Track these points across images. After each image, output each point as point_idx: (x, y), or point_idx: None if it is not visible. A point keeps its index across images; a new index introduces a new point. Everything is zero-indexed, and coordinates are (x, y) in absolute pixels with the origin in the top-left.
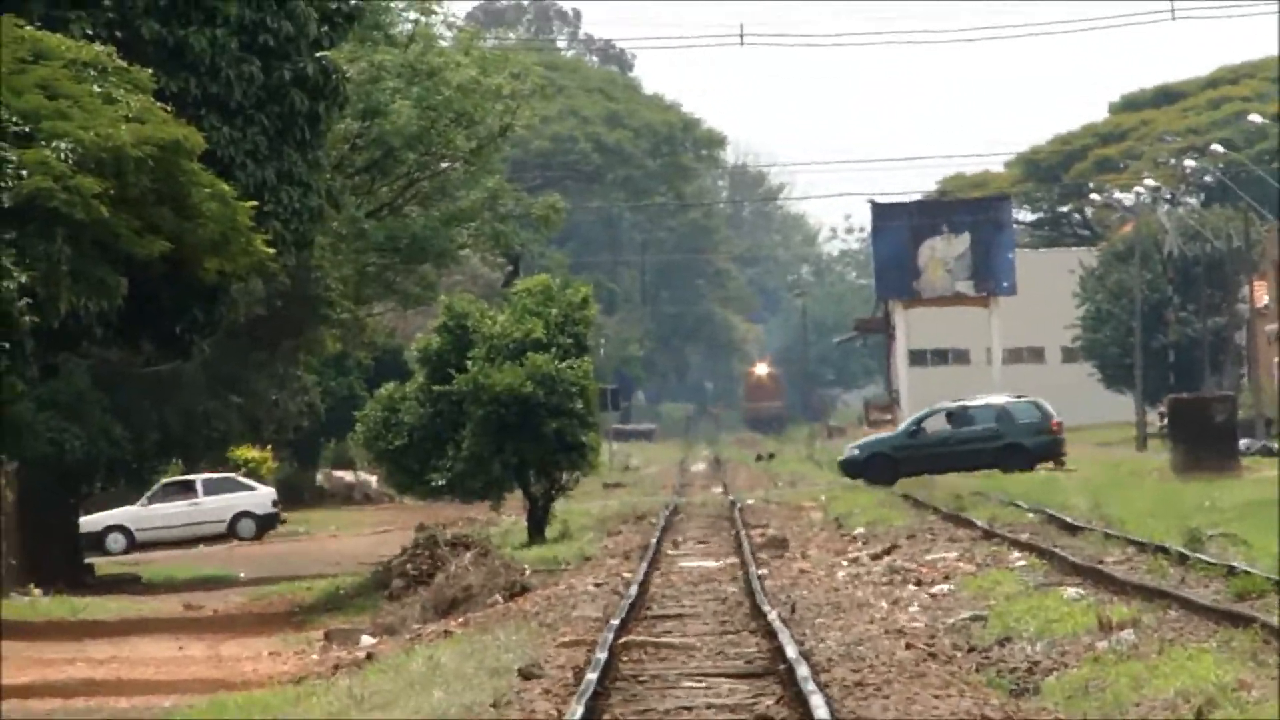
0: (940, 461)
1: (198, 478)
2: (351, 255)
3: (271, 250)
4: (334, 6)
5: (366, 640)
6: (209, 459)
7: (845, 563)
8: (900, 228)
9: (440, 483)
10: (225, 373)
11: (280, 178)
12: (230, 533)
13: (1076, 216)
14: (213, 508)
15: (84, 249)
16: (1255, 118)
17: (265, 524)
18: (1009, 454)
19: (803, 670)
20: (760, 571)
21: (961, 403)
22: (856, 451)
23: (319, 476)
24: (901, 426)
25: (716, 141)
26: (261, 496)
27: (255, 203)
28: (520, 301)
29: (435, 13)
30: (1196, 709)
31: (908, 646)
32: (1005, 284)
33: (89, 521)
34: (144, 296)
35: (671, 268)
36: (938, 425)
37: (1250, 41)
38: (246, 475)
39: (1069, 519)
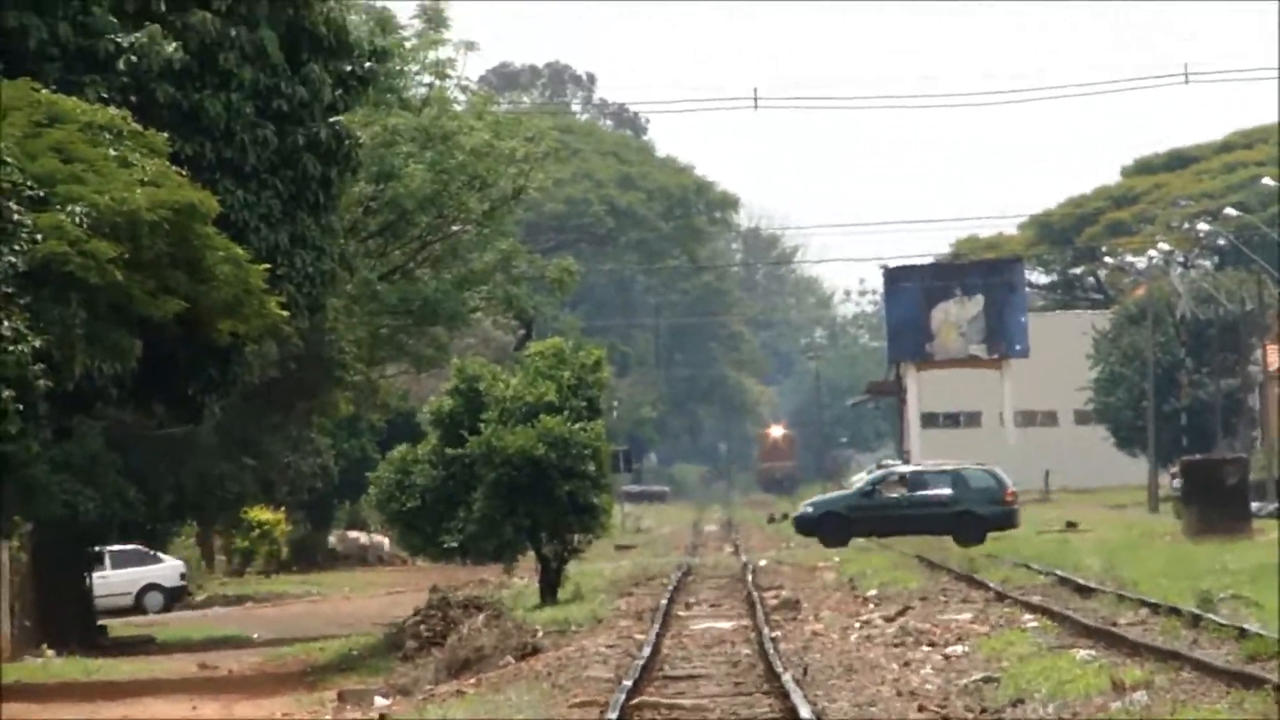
0: (893, 524)
1: (105, 550)
2: (365, 318)
3: (285, 313)
4: (348, 70)
5: (380, 701)
6: (223, 520)
7: (858, 624)
8: (913, 290)
9: (453, 544)
10: (239, 435)
11: (293, 241)
12: (137, 606)
13: (1089, 279)
14: (120, 580)
15: (98, 312)
16: (1268, 181)
17: (172, 596)
18: (963, 521)
19: None
20: (773, 634)
21: (917, 467)
22: (810, 509)
23: (332, 538)
24: (855, 486)
25: (730, 204)
26: (169, 569)
27: (269, 266)
28: (533, 364)
29: (449, 76)
30: None
31: (920, 709)
32: (1018, 346)
33: None
34: (158, 359)
35: (685, 330)
36: (893, 488)
37: (1264, 105)
38: (260, 537)
39: (1081, 580)
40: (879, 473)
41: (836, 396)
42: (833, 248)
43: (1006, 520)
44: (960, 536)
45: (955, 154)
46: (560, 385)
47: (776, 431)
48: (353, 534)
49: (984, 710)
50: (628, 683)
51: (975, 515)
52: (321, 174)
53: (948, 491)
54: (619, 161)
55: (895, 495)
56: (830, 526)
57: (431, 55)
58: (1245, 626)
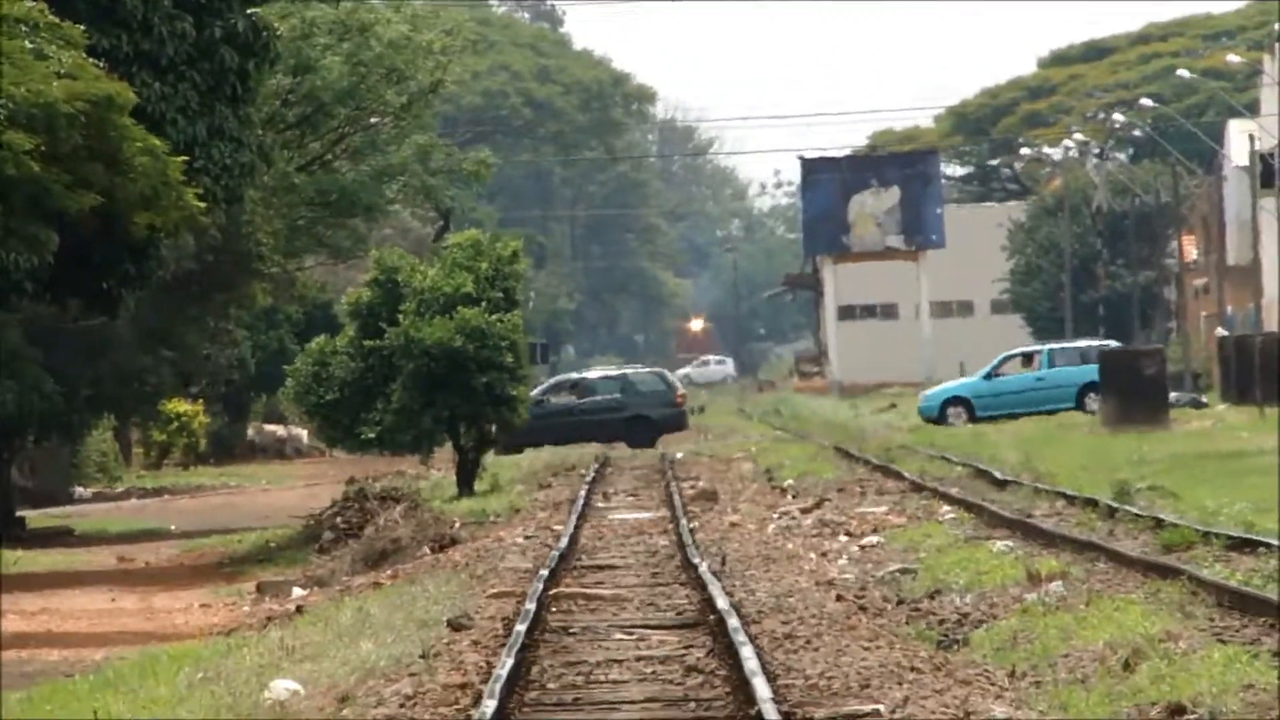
0: (565, 431)
1: None
2: (282, 209)
3: (202, 205)
4: None
5: (297, 592)
6: (141, 413)
7: (776, 515)
8: (830, 182)
9: (370, 436)
10: (157, 328)
11: (211, 134)
12: None
13: (1005, 171)
14: None
15: (15, 205)
16: (1184, 73)
17: None
18: (634, 425)
19: (733, 622)
20: (691, 524)
21: (584, 374)
22: None
23: (250, 430)
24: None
25: (647, 96)
26: None
27: (186, 158)
28: (450, 256)
29: None
30: (1124, 660)
31: (838, 599)
32: (934, 238)
33: None
34: (74, 252)
35: (601, 222)
36: (562, 396)
37: None
38: (178, 430)
39: (998, 472)
40: (548, 382)
41: (754, 289)
42: (749, 140)
43: (676, 422)
44: (632, 440)
45: (871, 46)
46: (478, 277)
47: (696, 325)
48: (270, 426)
49: (901, 601)
50: (545, 572)
51: (646, 419)
52: (239, 66)
53: (618, 396)
54: (536, 54)
55: (565, 402)
56: None
57: None
58: (1161, 517)
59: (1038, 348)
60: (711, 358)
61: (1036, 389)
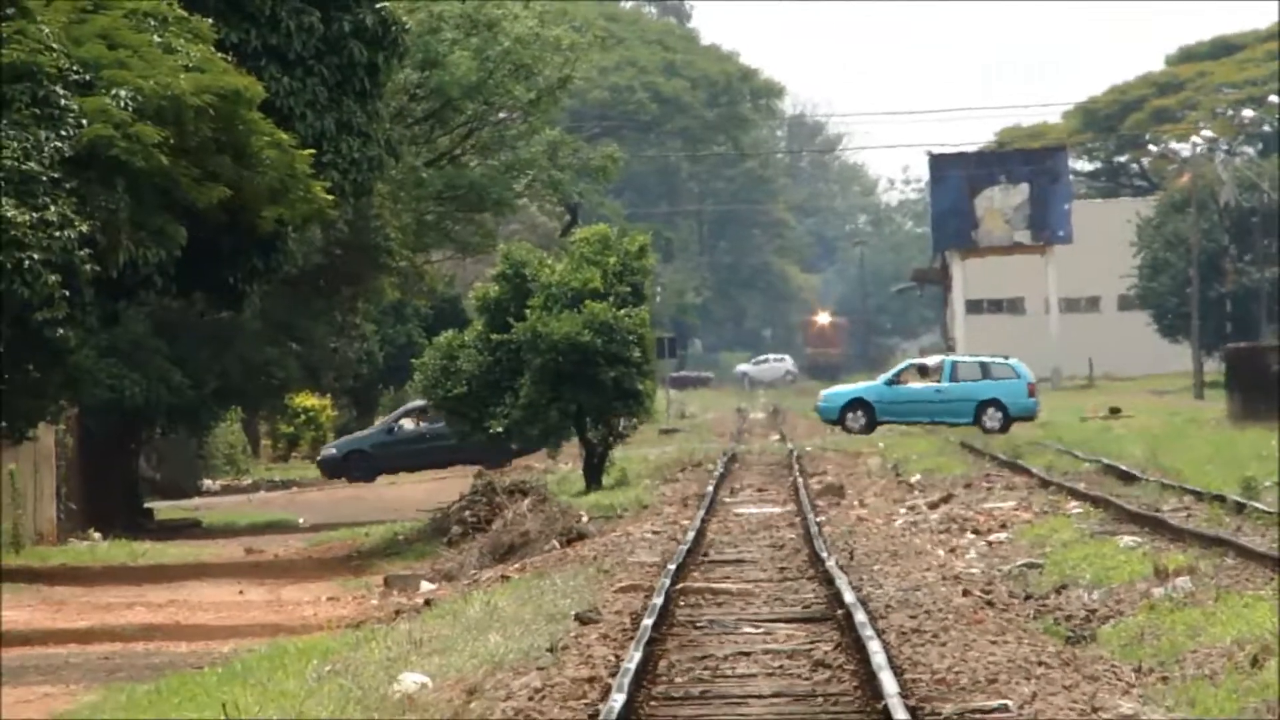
0: (414, 459)
1: None
2: (410, 204)
3: (330, 199)
4: None
5: (425, 586)
6: (268, 406)
7: (903, 510)
8: (958, 178)
9: (498, 430)
10: (284, 321)
11: (339, 128)
12: None
13: (1133, 167)
14: None
15: (144, 197)
16: None
17: None
18: (488, 447)
19: (860, 616)
20: (818, 519)
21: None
22: (334, 451)
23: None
24: (379, 424)
25: (774, 91)
26: None
27: (314, 152)
28: (578, 250)
29: None
30: (1252, 656)
31: (965, 594)
32: (1061, 233)
33: None
34: (203, 245)
35: (729, 217)
36: (411, 423)
37: None
38: (306, 423)
39: (1125, 467)
40: (399, 409)
41: (881, 284)
42: (877, 135)
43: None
44: (487, 463)
45: (1000, 42)
46: (605, 271)
47: (823, 319)
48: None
49: (1028, 596)
50: (672, 567)
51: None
52: (367, 60)
53: None
54: (663, 49)
55: (419, 429)
56: (355, 465)
57: None
58: None
59: (940, 359)
60: (771, 356)
61: (936, 400)
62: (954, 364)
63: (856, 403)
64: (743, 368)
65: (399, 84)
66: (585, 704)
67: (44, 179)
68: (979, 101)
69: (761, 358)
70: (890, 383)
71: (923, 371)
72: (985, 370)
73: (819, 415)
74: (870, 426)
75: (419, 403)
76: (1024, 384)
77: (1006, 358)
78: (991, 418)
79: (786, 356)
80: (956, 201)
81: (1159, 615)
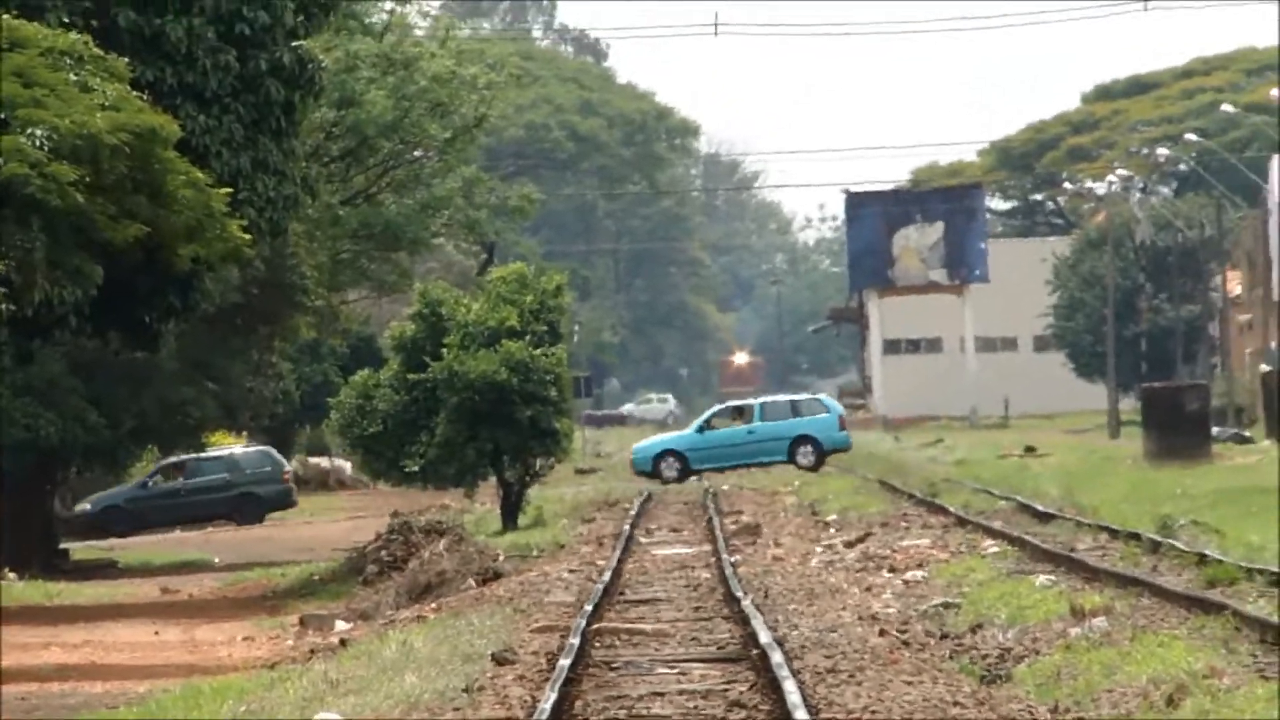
0: (169, 514)
1: None
2: (326, 242)
3: (246, 237)
4: None
5: (341, 625)
6: (184, 445)
7: (819, 549)
8: (874, 216)
9: (414, 469)
10: (201, 360)
11: (255, 166)
12: None
13: (1049, 205)
14: None
15: (59, 236)
16: (1228, 107)
17: None
18: (242, 502)
19: (776, 656)
20: (734, 558)
21: (193, 455)
22: (89, 507)
23: (293, 463)
24: (134, 481)
25: (690, 130)
26: None
27: (230, 190)
28: (495, 289)
29: (411, 3)
30: (1168, 696)
31: (881, 633)
32: (978, 272)
33: None
34: (119, 284)
35: (645, 256)
36: (172, 477)
37: (1224, 32)
38: None
39: (1041, 506)
40: (155, 466)
41: (798, 323)
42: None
43: (284, 500)
44: (241, 519)
45: (915, 80)
46: (522, 310)
47: (741, 359)
48: (314, 459)
49: (944, 635)
50: (589, 607)
51: (254, 496)
52: (284, 99)
53: (225, 476)
54: (579, 87)
55: (174, 484)
56: (114, 520)
57: None
58: (1205, 552)
59: (750, 401)
60: (654, 396)
61: (749, 442)
62: (764, 404)
63: (668, 453)
64: (627, 408)
65: (315, 122)
66: None
67: None
68: (895, 139)
69: (645, 398)
70: (702, 429)
71: (736, 414)
72: (795, 408)
73: (632, 468)
74: (685, 475)
75: (178, 458)
76: (835, 418)
77: (816, 394)
78: (805, 454)
79: (669, 396)
80: (873, 240)
81: (1075, 654)
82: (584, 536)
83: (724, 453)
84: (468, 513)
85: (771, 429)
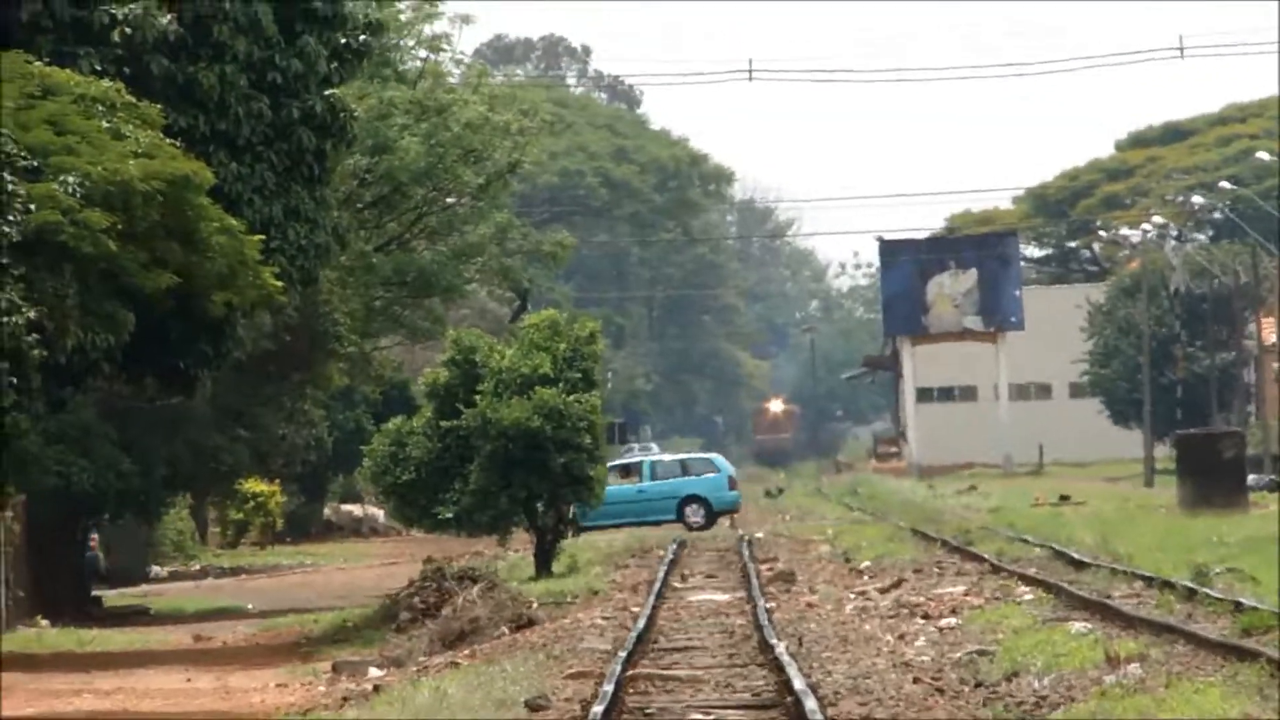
0: None
1: None
2: (359, 289)
3: (279, 284)
4: (343, 43)
5: (374, 672)
6: (217, 492)
7: (853, 596)
8: (908, 264)
9: (447, 516)
10: (233, 407)
11: (287, 214)
12: None
13: (1084, 252)
14: None
15: (92, 283)
16: (1263, 155)
17: None
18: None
19: (810, 703)
20: (768, 605)
21: None
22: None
23: (326, 510)
24: None
25: (724, 177)
26: None
27: (263, 237)
28: (528, 336)
29: (444, 50)
30: None
31: (915, 680)
32: (1013, 319)
33: None
34: (151, 331)
35: (679, 303)
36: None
37: (1259, 80)
38: (255, 509)
39: (1076, 554)
40: None
41: (831, 370)
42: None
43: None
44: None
45: (950, 127)
46: (555, 357)
47: (776, 406)
48: (347, 506)
49: (979, 684)
50: (623, 654)
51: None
52: (316, 146)
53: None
54: (613, 134)
55: None
56: None
57: (427, 28)
58: (1241, 600)
59: (639, 459)
60: (636, 446)
61: (638, 500)
62: (654, 463)
63: None
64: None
65: (348, 169)
66: None
67: None
68: (929, 186)
69: (627, 448)
70: None
71: (625, 472)
72: (685, 468)
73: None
74: (575, 532)
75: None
76: (725, 477)
77: (708, 453)
78: (694, 514)
79: (653, 445)
80: (907, 287)
81: (1110, 702)
82: (618, 583)
83: (613, 509)
84: (501, 559)
85: (660, 488)
